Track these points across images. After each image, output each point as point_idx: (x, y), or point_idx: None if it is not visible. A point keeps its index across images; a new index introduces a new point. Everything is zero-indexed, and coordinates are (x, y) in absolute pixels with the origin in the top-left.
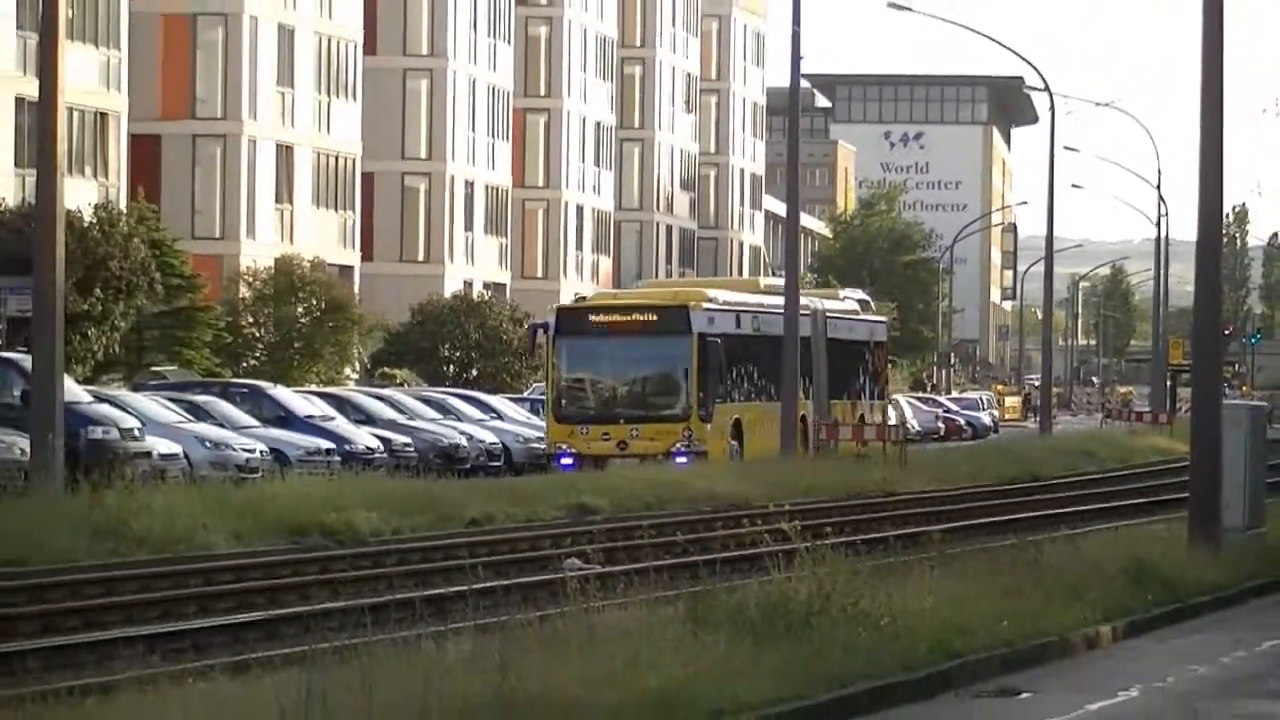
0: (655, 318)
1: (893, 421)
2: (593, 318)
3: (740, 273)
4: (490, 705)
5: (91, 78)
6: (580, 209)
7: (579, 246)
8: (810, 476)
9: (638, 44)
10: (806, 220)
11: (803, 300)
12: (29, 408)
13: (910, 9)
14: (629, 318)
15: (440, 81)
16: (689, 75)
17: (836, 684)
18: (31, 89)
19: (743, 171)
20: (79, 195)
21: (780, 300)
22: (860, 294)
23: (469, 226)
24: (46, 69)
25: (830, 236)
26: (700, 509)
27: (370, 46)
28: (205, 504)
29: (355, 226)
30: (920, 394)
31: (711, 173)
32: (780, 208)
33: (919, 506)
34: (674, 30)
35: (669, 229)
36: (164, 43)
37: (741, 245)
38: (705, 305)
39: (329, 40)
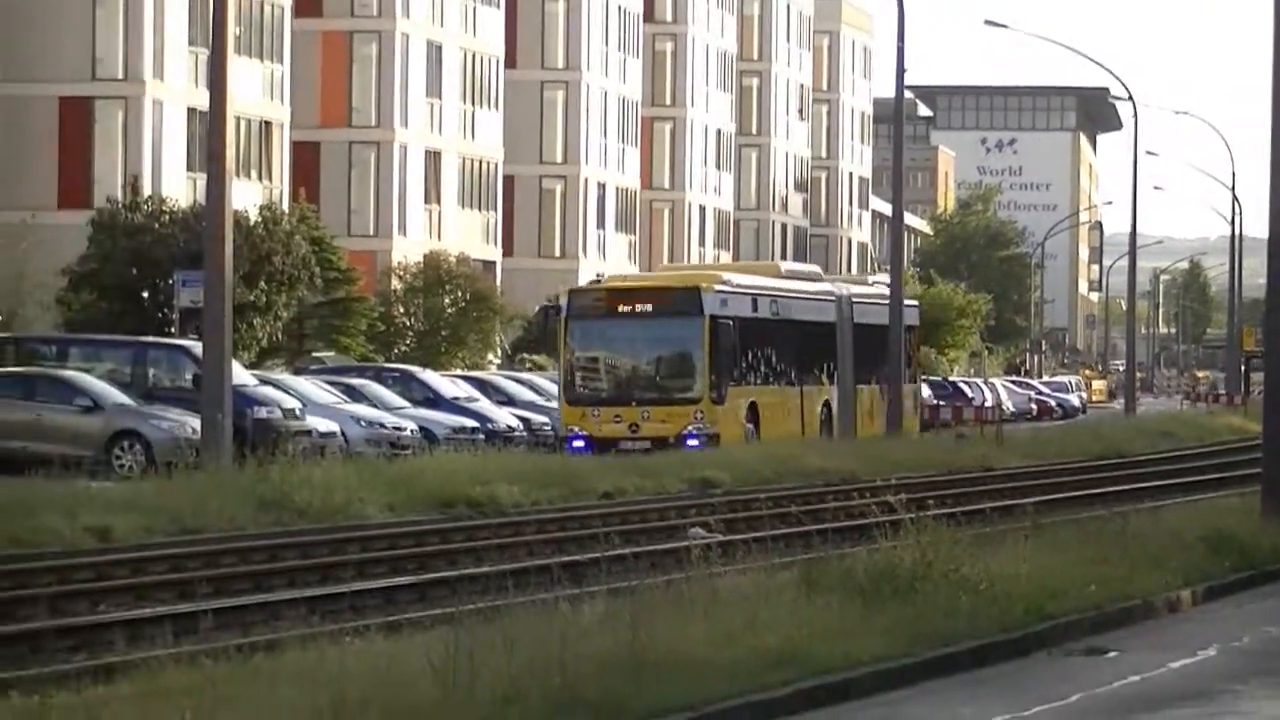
0: (667, 300)
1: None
2: (605, 299)
3: (849, 268)
4: (622, 662)
5: (256, 90)
6: (702, 209)
7: (701, 243)
8: (915, 454)
9: (755, 58)
10: (909, 219)
11: (826, 285)
12: (200, 390)
13: (1005, 26)
14: (641, 299)
15: (575, 93)
16: (802, 86)
17: (940, 643)
18: (202, 100)
19: (851, 175)
20: (246, 197)
21: (801, 285)
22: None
23: (600, 225)
24: (216, 82)
25: (931, 234)
26: (813, 483)
27: (511, 61)
28: (361, 478)
29: (497, 225)
30: (1014, 378)
31: (823, 175)
32: (886, 207)
33: (1014, 481)
34: (788, 45)
35: (784, 227)
36: (323, 57)
37: (850, 242)
38: (718, 288)
39: (473, 55)
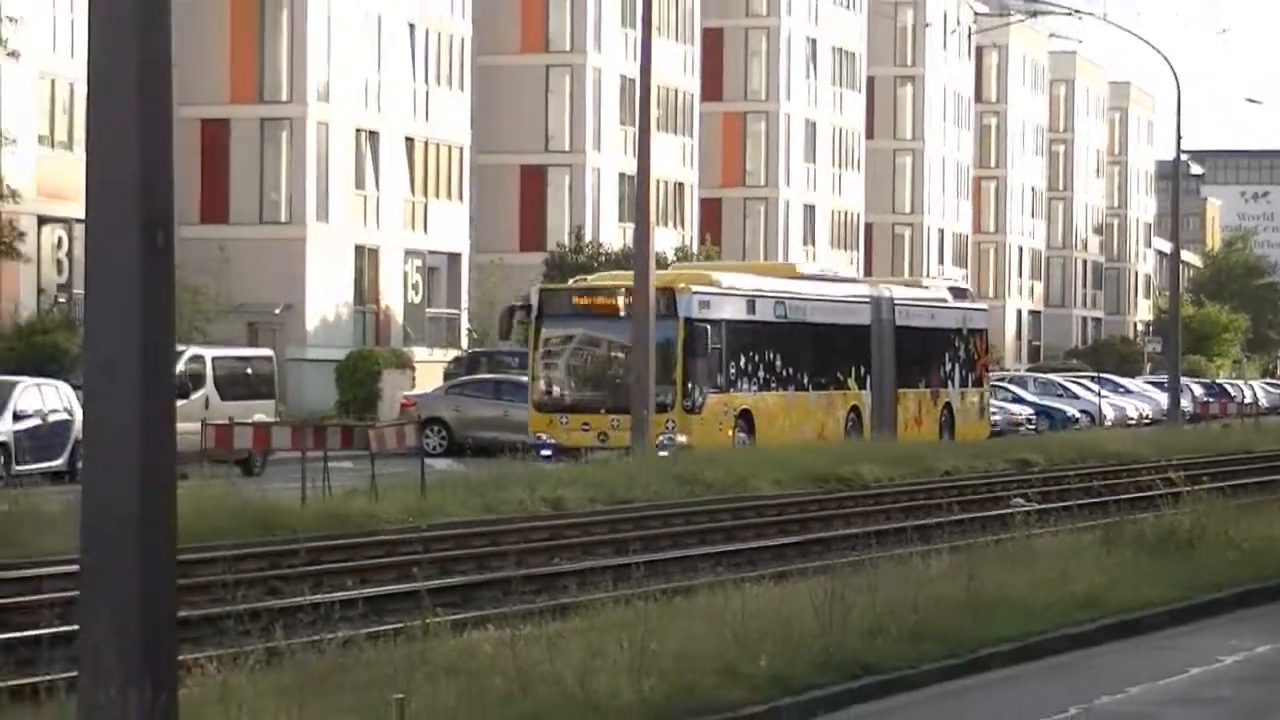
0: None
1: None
2: (575, 300)
3: (1136, 297)
4: (960, 603)
5: (672, 158)
6: (1020, 249)
7: (1019, 275)
8: (1191, 440)
9: (1061, 129)
10: (1185, 255)
11: (861, 288)
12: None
13: (1259, 102)
14: (612, 301)
15: (920, 159)
16: (1098, 151)
17: (1212, 589)
18: (630, 167)
19: (1138, 220)
20: (665, 241)
21: (821, 287)
22: (957, 283)
23: (941, 261)
24: (641, 153)
25: (1201, 266)
26: (1109, 463)
27: (870, 132)
28: (753, 460)
29: (859, 262)
30: (1269, 380)
31: (1115, 221)
32: (1165, 246)
33: (1270, 461)
34: (1088, 119)
35: (1085, 263)
36: (723, 132)
37: (1137, 274)
38: (696, 289)
39: (841, 130)
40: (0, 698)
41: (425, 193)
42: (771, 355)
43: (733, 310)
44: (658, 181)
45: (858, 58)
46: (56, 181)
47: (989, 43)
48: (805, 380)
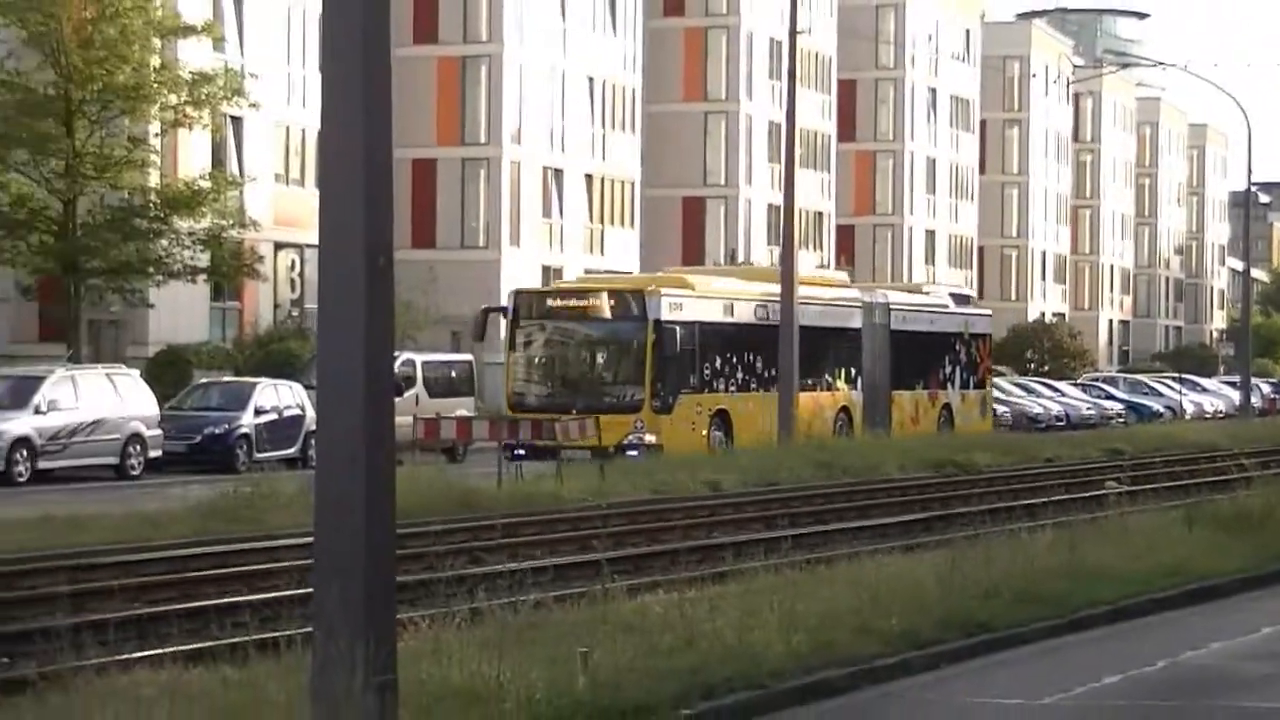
0: (611, 303)
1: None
2: (549, 303)
3: (1211, 309)
4: (1063, 571)
5: (813, 191)
6: (1112, 267)
7: (1110, 290)
8: (1260, 431)
9: (1148, 164)
10: (1255, 272)
11: (851, 293)
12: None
13: None
14: (585, 303)
15: (1025, 191)
16: (1179, 184)
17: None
18: (777, 198)
19: (1213, 243)
20: (806, 262)
21: (810, 291)
22: (960, 290)
23: (1043, 278)
24: (787, 186)
25: (1268, 282)
26: (1189, 451)
27: (982, 168)
28: (882, 448)
29: (972, 280)
30: None
31: (1194, 244)
32: (1238, 265)
33: None
34: (1169, 156)
35: (1167, 279)
36: (856, 168)
37: (1213, 289)
38: (666, 291)
39: (956, 165)
40: (248, 649)
41: (602, 220)
42: (752, 357)
43: (708, 312)
44: (800, 211)
45: (971, 104)
46: (290, 212)
47: (1085, 90)
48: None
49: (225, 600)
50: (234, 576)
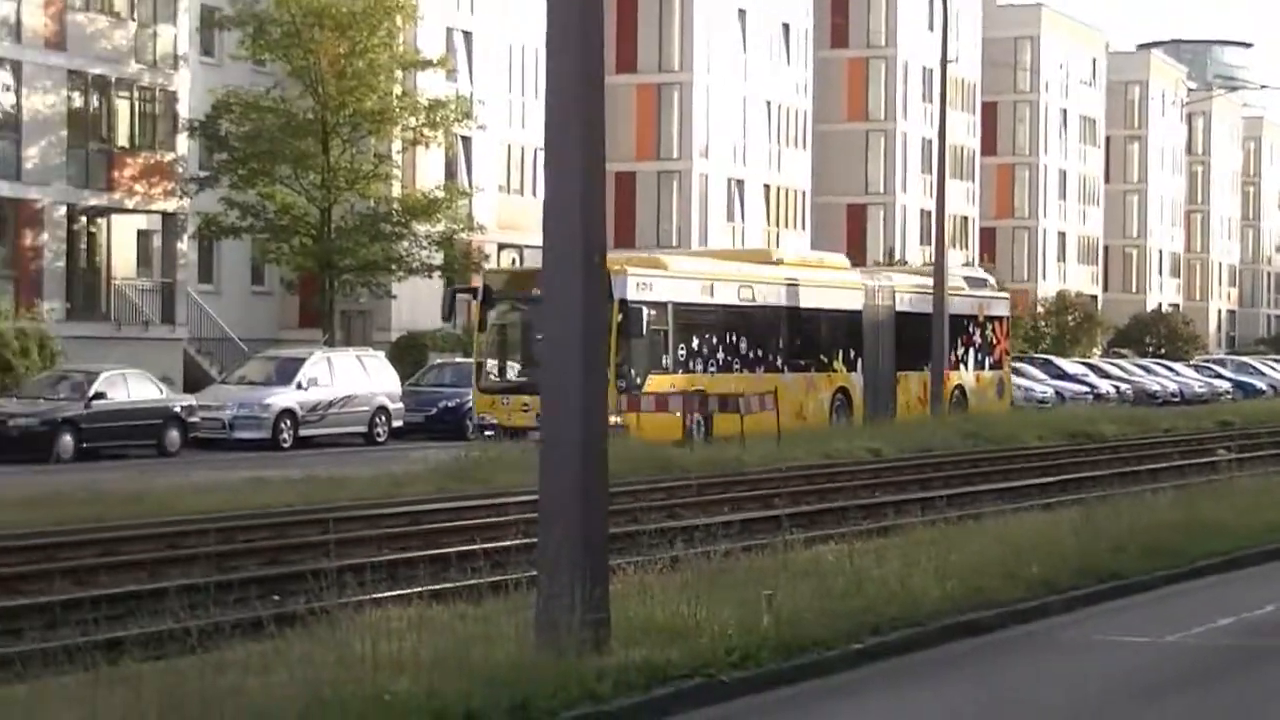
0: None
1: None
2: (517, 285)
3: None
4: (1181, 526)
5: (960, 198)
6: (1220, 264)
7: (1220, 282)
8: None
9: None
10: None
11: (852, 276)
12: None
13: None
14: None
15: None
16: (1278, 191)
17: None
18: (929, 205)
19: None
20: (954, 260)
21: (804, 273)
22: (976, 273)
23: (1160, 274)
24: (938, 194)
25: None
26: None
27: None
28: (1022, 420)
29: (1099, 276)
30: None
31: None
32: None
33: None
34: (1273, 166)
35: (1270, 274)
36: (997, 179)
37: None
38: (633, 270)
39: (1080, 174)
40: (481, 589)
41: (777, 224)
42: (735, 337)
43: (684, 293)
44: (949, 216)
45: (1097, 123)
46: (511, 218)
47: (1197, 110)
48: (779, 362)
49: (461, 548)
50: (468, 528)
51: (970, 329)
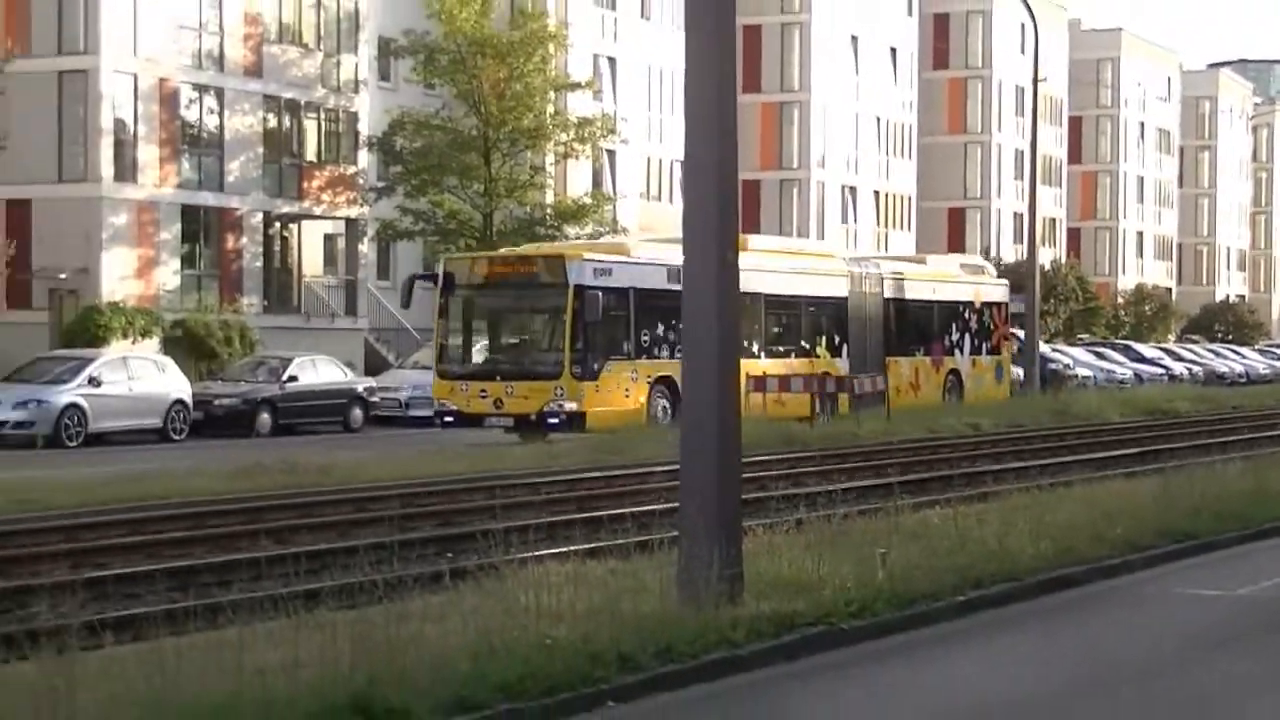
0: (533, 270)
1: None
2: (475, 271)
3: None
4: (1250, 494)
5: (1049, 202)
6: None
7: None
8: None
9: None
10: None
11: (836, 263)
12: (1023, 354)
13: None
14: (510, 269)
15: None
16: None
17: None
18: (1023, 208)
19: None
20: (1044, 257)
21: (780, 260)
22: (973, 260)
23: (1228, 267)
24: (1030, 199)
25: None
26: None
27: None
28: (1104, 399)
29: (1173, 271)
30: None
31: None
32: None
33: None
34: None
35: None
36: (1082, 185)
37: None
38: (590, 256)
39: (1151, 178)
40: (629, 548)
41: (886, 226)
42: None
43: (645, 279)
44: (1040, 218)
45: (1172, 134)
46: (651, 221)
47: (1262, 123)
48: (754, 348)
49: (611, 511)
50: (617, 494)
51: (966, 315)
